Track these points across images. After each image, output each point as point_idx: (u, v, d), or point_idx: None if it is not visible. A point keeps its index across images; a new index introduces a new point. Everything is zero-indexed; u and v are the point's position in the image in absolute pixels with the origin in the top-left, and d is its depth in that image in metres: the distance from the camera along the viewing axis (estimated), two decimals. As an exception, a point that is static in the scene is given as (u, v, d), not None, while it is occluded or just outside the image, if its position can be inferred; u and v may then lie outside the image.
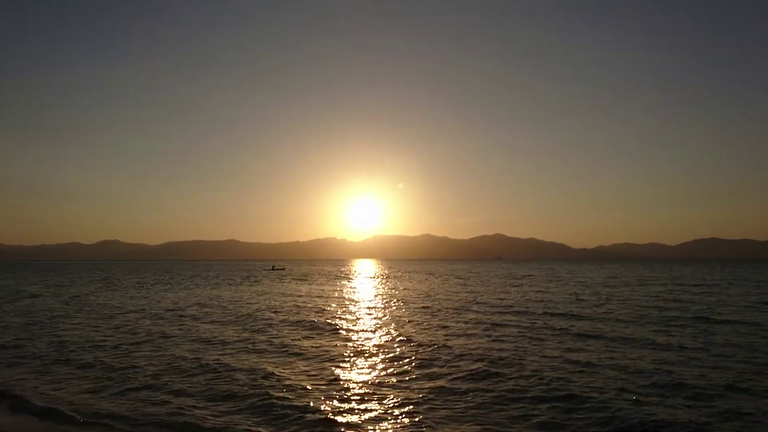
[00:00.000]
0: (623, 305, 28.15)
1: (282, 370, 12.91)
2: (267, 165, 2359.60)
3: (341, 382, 11.79)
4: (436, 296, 36.28)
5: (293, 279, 67.51)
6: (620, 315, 23.56)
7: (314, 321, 22.26)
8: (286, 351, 15.64)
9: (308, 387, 11.39)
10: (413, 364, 13.57)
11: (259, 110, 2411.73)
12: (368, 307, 28.95)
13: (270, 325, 21.42)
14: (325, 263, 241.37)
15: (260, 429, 8.93)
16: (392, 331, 19.32)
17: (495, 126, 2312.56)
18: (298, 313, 25.58)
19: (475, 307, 27.84)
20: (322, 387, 11.42)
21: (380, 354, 15.01)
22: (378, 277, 72.55)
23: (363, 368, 13.21)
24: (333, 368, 13.16)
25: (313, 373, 12.76)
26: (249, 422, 9.28)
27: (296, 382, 11.74)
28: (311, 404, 10.10)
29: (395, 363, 13.72)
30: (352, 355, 14.97)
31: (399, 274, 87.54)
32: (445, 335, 18.28)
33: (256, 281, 61.47)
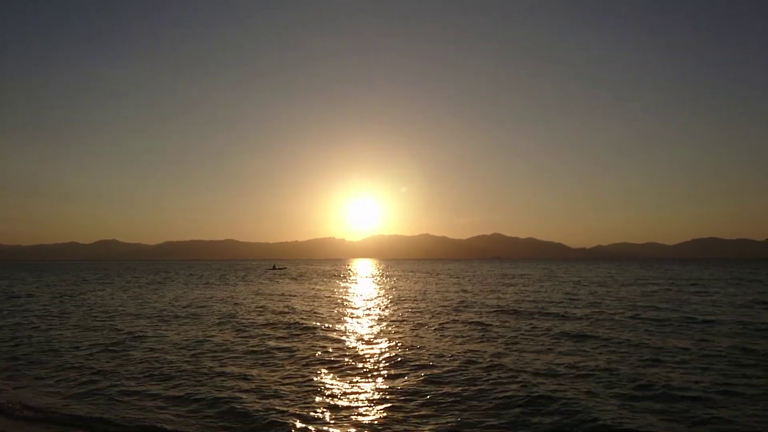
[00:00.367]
0: (612, 305, 27.92)
1: (255, 373, 12.71)
2: (265, 165, 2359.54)
3: (312, 386, 11.56)
4: (426, 296, 36.01)
5: (289, 279, 67.20)
6: (606, 315, 23.33)
7: (298, 322, 21.94)
8: (262, 353, 15.36)
9: (279, 390, 11.15)
10: (388, 365, 13.33)
11: (259, 110, 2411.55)
12: (354, 308, 28.67)
13: (252, 326, 21.13)
14: (323, 263, 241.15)
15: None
16: (373, 333, 19.05)
17: (494, 126, 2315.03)
18: (283, 314, 25.29)
19: (463, 308, 27.59)
20: (293, 390, 11.18)
21: (356, 356, 14.73)
22: (373, 277, 72.30)
23: (337, 371, 12.97)
24: (307, 371, 12.93)
25: (286, 376, 12.53)
26: (214, 426, 9.14)
27: (266, 386, 11.52)
28: (277, 408, 9.87)
29: (368, 365, 13.46)
30: (328, 358, 14.68)
31: (395, 273, 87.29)
32: (427, 337, 18.02)
33: (249, 281, 61.14)
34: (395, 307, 28.45)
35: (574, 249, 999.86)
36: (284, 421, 9.16)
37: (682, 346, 15.49)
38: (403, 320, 22.60)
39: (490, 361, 13.55)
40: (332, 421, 9.23)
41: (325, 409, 9.87)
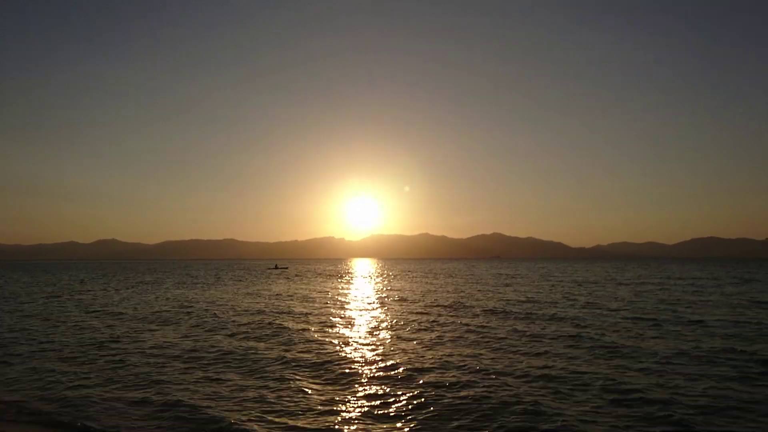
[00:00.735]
0: (606, 306, 27.52)
1: (224, 377, 12.32)
2: (265, 164, 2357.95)
3: (281, 390, 11.15)
4: (419, 297, 35.61)
5: (284, 279, 66.78)
6: (599, 317, 22.93)
7: (281, 325, 21.40)
8: (236, 356, 14.92)
9: (246, 396, 10.78)
10: (365, 369, 12.87)
11: (259, 110, 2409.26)
12: (344, 309, 28.23)
13: (230, 327, 20.63)
14: (322, 262, 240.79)
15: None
16: (358, 335, 18.65)
17: (494, 125, 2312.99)
18: (268, 316, 24.82)
19: (454, 309, 27.20)
20: (261, 396, 10.77)
21: (334, 359, 14.28)
22: (370, 277, 71.88)
23: (311, 375, 12.52)
24: (279, 375, 12.49)
25: (256, 380, 12.13)
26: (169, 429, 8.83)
27: (231, 391, 11.16)
28: (240, 413, 9.50)
29: (345, 369, 12.96)
30: (305, 362, 14.24)
31: (393, 273, 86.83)
32: (413, 339, 17.61)
33: (243, 281, 60.69)
34: (386, 309, 28.05)
35: (573, 248, 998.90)
36: (245, 428, 8.87)
37: (670, 348, 15.09)
38: (392, 322, 22.19)
39: (475, 365, 13.17)
40: (293, 428, 8.89)
41: (289, 416, 9.45)
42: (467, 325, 20.74)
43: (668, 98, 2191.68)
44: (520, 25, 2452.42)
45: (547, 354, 14.66)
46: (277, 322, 22.19)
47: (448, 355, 14.51)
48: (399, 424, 9.04)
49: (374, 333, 19.08)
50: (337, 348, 15.94)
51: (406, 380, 11.82)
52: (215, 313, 25.65)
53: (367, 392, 10.96)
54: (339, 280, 61.77)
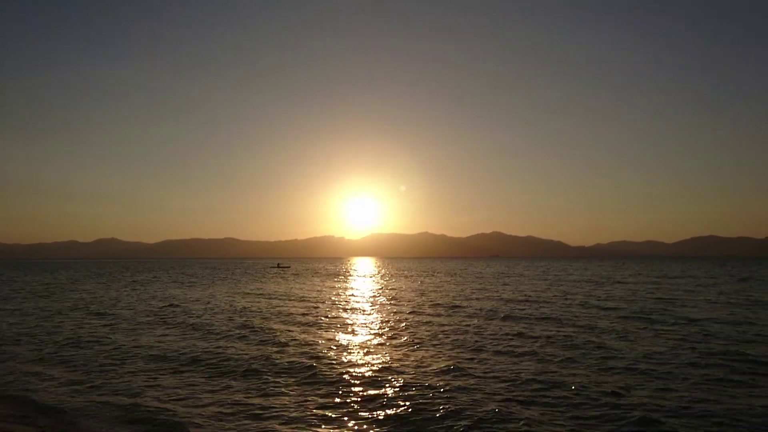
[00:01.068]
0: (602, 306, 27.16)
1: (192, 381, 12.03)
2: (265, 164, 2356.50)
3: (243, 395, 10.81)
4: (415, 297, 35.25)
5: (280, 278, 66.41)
6: (593, 317, 22.55)
7: (270, 328, 20.75)
8: (210, 359, 14.52)
9: (215, 400, 10.46)
10: (346, 374, 12.46)
11: (259, 110, 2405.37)
12: (337, 310, 27.85)
13: (211, 329, 20.17)
14: (322, 261, 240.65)
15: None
16: (344, 337, 18.26)
17: (494, 125, 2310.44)
18: (256, 317, 24.38)
19: (448, 309, 26.81)
20: (231, 400, 10.44)
21: (309, 363, 13.79)
22: (368, 277, 71.55)
23: (287, 379, 12.14)
24: (254, 380, 12.14)
25: (228, 385, 11.80)
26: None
27: (191, 395, 10.82)
28: (195, 420, 9.18)
29: (325, 372, 12.57)
30: (284, 365, 13.76)
31: (392, 273, 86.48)
32: (395, 341, 17.23)
33: (239, 281, 60.34)
34: (379, 309, 27.72)
35: (573, 247, 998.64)
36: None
37: (661, 347, 14.72)
38: (384, 324, 21.84)
39: (464, 366, 12.83)
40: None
41: (267, 420, 9.13)
42: (461, 324, 20.38)
43: (668, 98, 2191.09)
44: (520, 25, 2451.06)
45: (537, 355, 14.30)
46: (264, 323, 21.79)
47: (433, 357, 14.22)
48: (373, 427, 8.74)
49: (363, 334, 18.71)
50: (324, 350, 15.53)
51: (386, 383, 11.43)
52: (200, 314, 25.28)
53: (345, 395, 10.63)
54: (336, 280, 61.40)
